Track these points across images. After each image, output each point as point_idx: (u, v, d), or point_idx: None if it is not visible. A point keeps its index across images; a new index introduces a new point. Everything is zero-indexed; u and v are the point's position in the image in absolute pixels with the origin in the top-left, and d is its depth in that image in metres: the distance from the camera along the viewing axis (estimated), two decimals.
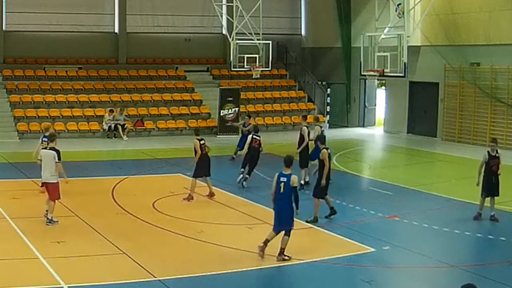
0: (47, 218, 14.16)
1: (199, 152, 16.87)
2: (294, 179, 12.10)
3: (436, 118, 29.15)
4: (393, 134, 30.72)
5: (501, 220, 15.44)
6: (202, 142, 17.07)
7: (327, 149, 15.02)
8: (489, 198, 15.18)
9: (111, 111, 28.65)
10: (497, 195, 15.17)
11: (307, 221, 14.58)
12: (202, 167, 16.98)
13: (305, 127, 18.65)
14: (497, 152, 15.30)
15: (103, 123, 28.29)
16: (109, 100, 29.92)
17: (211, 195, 17.17)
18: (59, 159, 14.17)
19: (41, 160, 14.47)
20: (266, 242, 12.15)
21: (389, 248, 13.04)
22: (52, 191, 14.21)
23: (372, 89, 34.43)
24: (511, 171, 21.63)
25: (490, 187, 15.11)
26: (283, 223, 12.16)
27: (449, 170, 22.61)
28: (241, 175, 18.87)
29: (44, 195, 14.79)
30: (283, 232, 12.16)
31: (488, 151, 15.32)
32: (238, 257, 12.39)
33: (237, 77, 33.52)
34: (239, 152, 21.56)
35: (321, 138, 15.76)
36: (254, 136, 19.16)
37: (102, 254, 12.26)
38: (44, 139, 16.45)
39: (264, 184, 19.54)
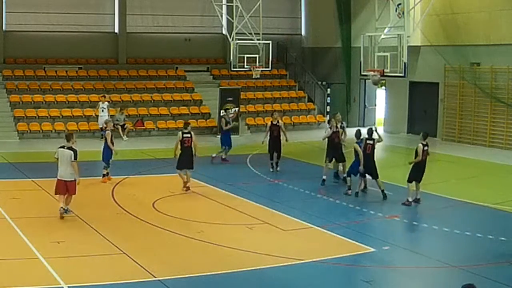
0: (64, 210, 14.68)
1: (177, 145, 17.79)
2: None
3: (436, 118, 29.14)
4: (393, 134, 30.70)
5: (501, 220, 15.46)
6: (186, 136, 17.72)
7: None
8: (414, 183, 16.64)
9: (104, 96, 28.57)
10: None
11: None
12: (182, 160, 17.75)
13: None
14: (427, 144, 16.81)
15: (98, 111, 28.00)
16: (109, 100, 29.89)
17: (186, 188, 17.77)
18: (75, 158, 14.63)
19: (57, 159, 14.84)
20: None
21: (389, 248, 13.04)
22: (72, 187, 14.78)
23: (372, 89, 34.44)
24: (511, 171, 21.70)
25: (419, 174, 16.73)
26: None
27: (449, 170, 22.57)
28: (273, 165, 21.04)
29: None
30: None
31: (421, 143, 16.65)
32: (238, 257, 12.39)
33: (237, 77, 33.52)
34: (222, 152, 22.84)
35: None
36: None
37: (102, 254, 12.26)
38: (101, 132, 17.80)
39: (265, 184, 19.59)
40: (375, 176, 17.38)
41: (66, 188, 14.67)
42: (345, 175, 18.69)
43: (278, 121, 21.38)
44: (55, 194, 14.95)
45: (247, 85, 33.31)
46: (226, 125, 23.13)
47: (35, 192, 17.34)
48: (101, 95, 28.88)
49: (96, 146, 23.35)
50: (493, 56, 25.90)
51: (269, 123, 21.54)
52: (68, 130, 27.97)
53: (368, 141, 17.42)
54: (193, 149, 17.83)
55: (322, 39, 35.75)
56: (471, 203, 16.14)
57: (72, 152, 14.64)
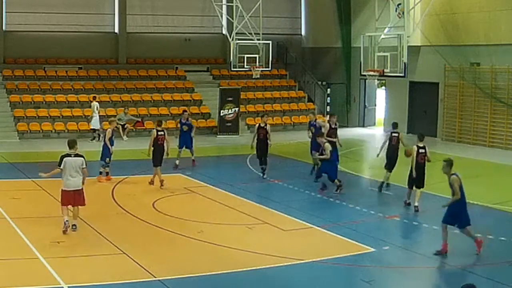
0: (73, 227, 13.60)
1: (151, 142, 18.26)
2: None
3: (436, 118, 29.16)
4: None
5: (501, 220, 15.46)
6: (160, 133, 18.20)
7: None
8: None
9: (94, 98, 28.36)
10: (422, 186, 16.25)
11: None
12: (157, 157, 18.30)
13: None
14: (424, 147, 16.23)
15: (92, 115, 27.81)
16: (109, 100, 29.92)
17: (151, 182, 18.38)
18: (86, 164, 13.73)
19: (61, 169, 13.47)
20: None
21: (389, 248, 13.04)
22: (80, 197, 13.76)
23: (372, 89, 34.44)
24: (511, 171, 21.71)
25: (418, 179, 16.16)
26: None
27: None
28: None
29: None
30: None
31: (416, 145, 16.13)
32: (238, 257, 12.38)
33: (237, 77, 33.52)
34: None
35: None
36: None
37: (102, 254, 12.26)
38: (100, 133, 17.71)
39: (265, 184, 19.58)
40: (392, 167, 18.08)
41: (72, 199, 13.59)
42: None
43: (266, 124, 20.36)
44: (63, 205, 13.69)
45: (247, 85, 33.32)
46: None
47: (35, 192, 17.34)
48: (92, 95, 28.80)
49: (96, 146, 23.41)
50: (493, 56, 25.89)
51: (257, 125, 20.77)
52: (68, 130, 28.05)
53: (393, 134, 18.24)
54: (165, 147, 18.33)
55: (322, 39, 35.76)
56: (471, 203, 16.07)
57: (82, 158, 13.61)
